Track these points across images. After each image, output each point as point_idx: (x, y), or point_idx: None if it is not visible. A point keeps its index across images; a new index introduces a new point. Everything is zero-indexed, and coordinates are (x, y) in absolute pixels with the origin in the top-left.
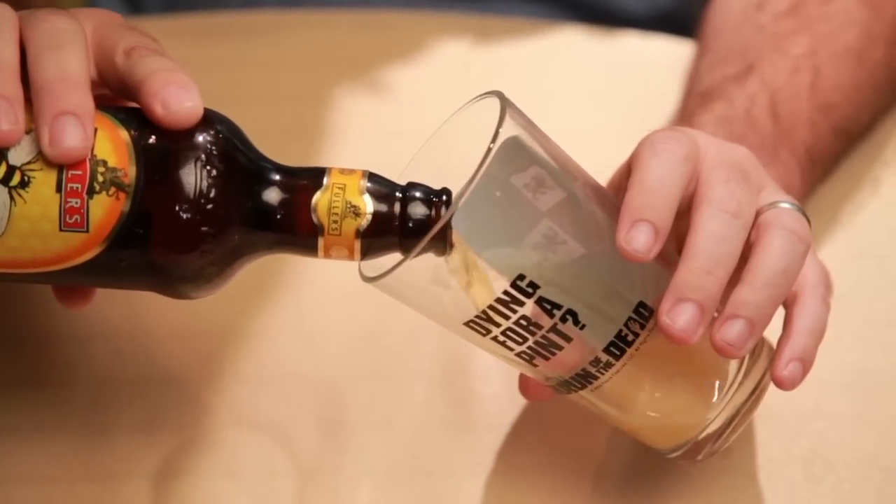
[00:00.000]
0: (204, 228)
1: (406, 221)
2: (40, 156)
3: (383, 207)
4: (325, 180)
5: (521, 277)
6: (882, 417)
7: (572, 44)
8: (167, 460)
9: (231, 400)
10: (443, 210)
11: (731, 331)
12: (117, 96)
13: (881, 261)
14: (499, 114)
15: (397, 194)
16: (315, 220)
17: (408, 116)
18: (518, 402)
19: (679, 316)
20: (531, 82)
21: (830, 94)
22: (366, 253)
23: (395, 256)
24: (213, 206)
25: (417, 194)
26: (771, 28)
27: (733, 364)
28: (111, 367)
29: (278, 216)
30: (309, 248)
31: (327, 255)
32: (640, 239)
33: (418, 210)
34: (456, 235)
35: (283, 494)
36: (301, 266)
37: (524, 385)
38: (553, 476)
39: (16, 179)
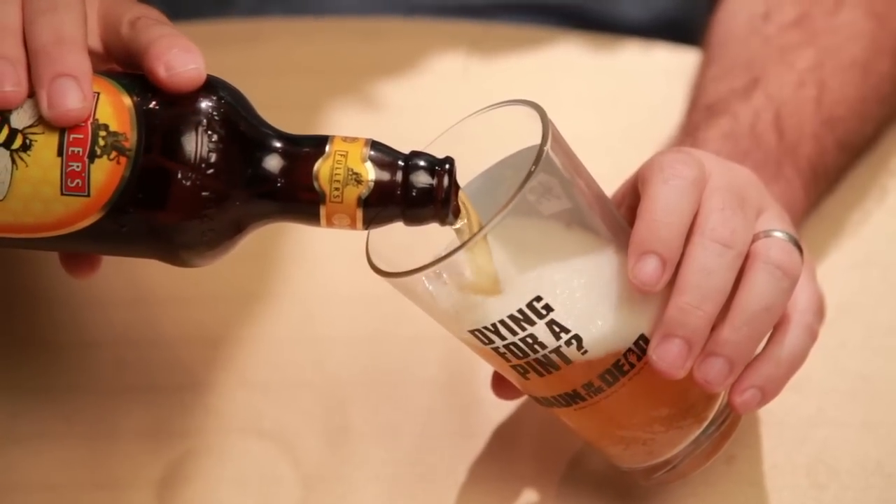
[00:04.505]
0: (204, 194)
1: (409, 190)
2: (42, 119)
3: (386, 175)
4: (327, 147)
5: (539, 299)
6: (885, 424)
7: (573, 53)
8: (172, 467)
9: (236, 407)
10: (445, 179)
11: (711, 369)
12: (124, 69)
13: (885, 269)
14: (541, 132)
15: (400, 162)
16: (317, 187)
17: (408, 124)
18: (522, 410)
19: (667, 352)
20: (532, 92)
21: (836, 107)
22: (368, 222)
23: (401, 235)
24: (214, 172)
25: (420, 163)
26: (776, 40)
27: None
28: (116, 375)
29: (280, 183)
30: (311, 215)
31: (329, 223)
32: (647, 271)
33: (421, 178)
34: (483, 243)
35: (287, 501)
36: (305, 271)
37: (497, 384)
38: (557, 483)
39: (18, 142)
